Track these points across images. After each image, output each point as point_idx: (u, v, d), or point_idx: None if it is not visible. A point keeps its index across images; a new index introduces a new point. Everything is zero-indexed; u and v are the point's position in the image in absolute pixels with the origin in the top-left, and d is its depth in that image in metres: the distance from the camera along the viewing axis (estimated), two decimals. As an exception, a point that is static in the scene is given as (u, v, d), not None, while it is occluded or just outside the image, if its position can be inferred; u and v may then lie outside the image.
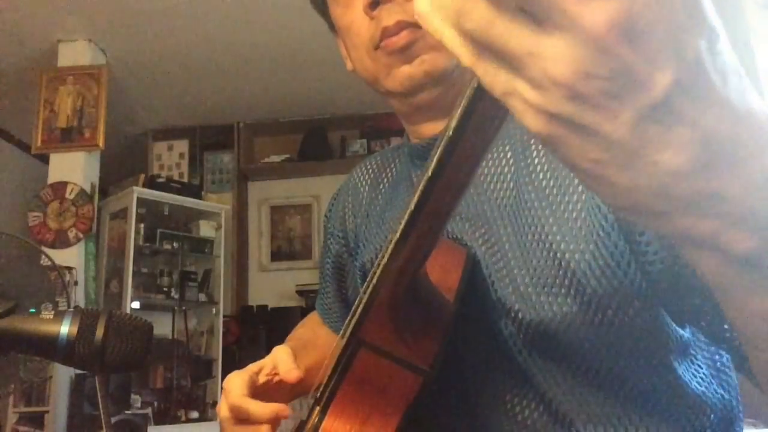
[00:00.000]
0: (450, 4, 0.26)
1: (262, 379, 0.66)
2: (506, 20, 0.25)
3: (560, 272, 0.54)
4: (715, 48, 0.25)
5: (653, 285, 0.51)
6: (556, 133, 0.26)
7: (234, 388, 0.64)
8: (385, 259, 0.43)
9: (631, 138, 0.25)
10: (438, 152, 0.34)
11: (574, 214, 0.55)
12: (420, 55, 0.61)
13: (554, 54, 0.24)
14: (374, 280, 0.45)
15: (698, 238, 0.27)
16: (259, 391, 0.65)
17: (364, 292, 0.49)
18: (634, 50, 0.23)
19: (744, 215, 0.26)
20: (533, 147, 0.60)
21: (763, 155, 0.26)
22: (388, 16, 0.61)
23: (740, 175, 0.26)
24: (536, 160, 0.59)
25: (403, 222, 0.39)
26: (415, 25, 0.60)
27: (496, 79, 0.26)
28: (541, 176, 0.58)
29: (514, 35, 0.25)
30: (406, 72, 0.62)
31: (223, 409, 0.65)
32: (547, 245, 0.55)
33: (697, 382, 0.56)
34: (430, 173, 0.35)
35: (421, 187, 0.37)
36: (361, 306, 0.48)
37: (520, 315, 0.56)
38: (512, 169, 0.62)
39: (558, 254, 0.54)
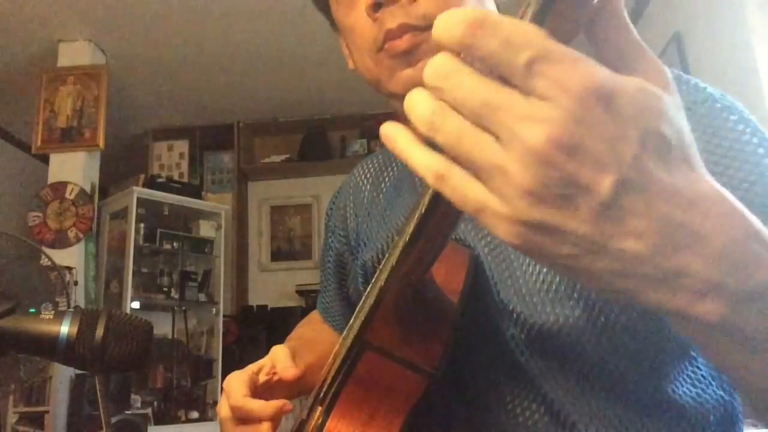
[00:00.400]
0: (422, 117, 0.30)
1: (261, 378, 0.66)
2: (474, 135, 0.28)
3: (562, 276, 0.54)
4: (656, 146, 0.28)
5: None
6: (529, 238, 0.29)
7: (234, 388, 0.64)
8: (393, 262, 0.42)
9: (594, 232, 0.28)
10: None
11: None
12: (422, 59, 0.61)
13: (515, 166, 0.27)
14: (381, 282, 0.45)
15: (673, 310, 0.30)
16: (259, 391, 0.65)
17: (370, 294, 0.48)
18: (574, 160, 0.27)
19: (710, 288, 0.29)
20: None
21: (721, 233, 0.29)
22: (391, 19, 0.60)
23: (701, 253, 0.29)
24: None
25: (413, 225, 0.39)
26: (417, 29, 0.60)
27: (466, 194, 0.29)
28: None
29: (481, 148, 0.28)
30: (408, 75, 0.62)
31: (223, 409, 0.65)
32: None
33: (697, 384, 0.56)
34: None
35: (432, 190, 0.36)
36: (367, 307, 0.48)
37: (522, 318, 0.56)
38: None
39: None
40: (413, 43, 0.60)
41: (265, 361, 0.69)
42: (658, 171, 0.28)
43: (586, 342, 0.54)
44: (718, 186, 0.30)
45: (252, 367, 0.68)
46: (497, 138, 0.28)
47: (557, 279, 0.55)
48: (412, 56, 0.61)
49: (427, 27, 0.59)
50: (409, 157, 0.31)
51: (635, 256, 0.28)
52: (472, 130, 0.29)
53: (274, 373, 0.66)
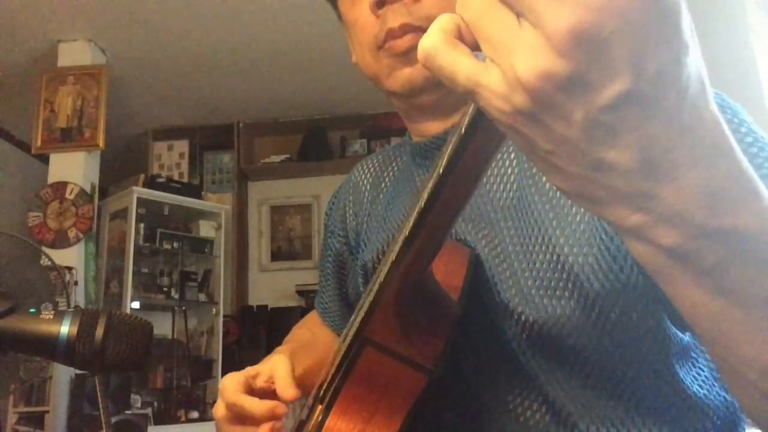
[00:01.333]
0: None
1: (259, 384, 0.66)
2: (497, 11, 0.27)
3: (563, 275, 0.54)
4: (682, 61, 0.26)
5: (654, 289, 0.51)
6: (515, 124, 0.28)
7: (230, 386, 0.64)
8: (393, 257, 0.43)
9: (581, 137, 0.27)
10: (449, 149, 0.34)
11: (578, 218, 0.55)
12: None
13: (523, 50, 0.26)
14: (381, 279, 0.45)
15: (630, 227, 0.30)
16: (255, 394, 0.65)
17: (370, 291, 0.48)
18: (590, 58, 0.25)
19: (671, 215, 0.29)
20: None
21: (703, 166, 0.28)
22: (393, 18, 0.61)
23: (676, 181, 0.28)
24: None
25: (413, 220, 0.39)
26: (419, 29, 0.60)
27: (457, 72, 0.29)
28: (544, 179, 0.58)
29: (499, 27, 0.27)
30: (406, 74, 0.63)
31: (219, 409, 0.65)
32: (550, 248, 0.55)
33: (699, 385, 0.56)
34: (441, 170, 0.35)
35: (431, 185, 0.37)
36: (367, 304, 0.48)
37: (523, 316, 0.56)
38: (516, 170, 0.61)
39: (561, 257, 0.54)
40: (413, 44, 0.60)
41: (263, 369, 0.68)
42: (672, 91, 0.26)
43: (586, 341, 0.54)
44: (719, 117, 0.29)
45: (249, 371, 0.67)
46: (522, 18, 0.26)
47: (557, 278, 0.55)
48: (411, 56, 0.61)
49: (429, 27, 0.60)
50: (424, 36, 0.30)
51: (613, 168, 0.28)
52: (497, 7, 0.27)
53: (272, 384, 0.66)
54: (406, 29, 0.61)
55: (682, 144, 0.27)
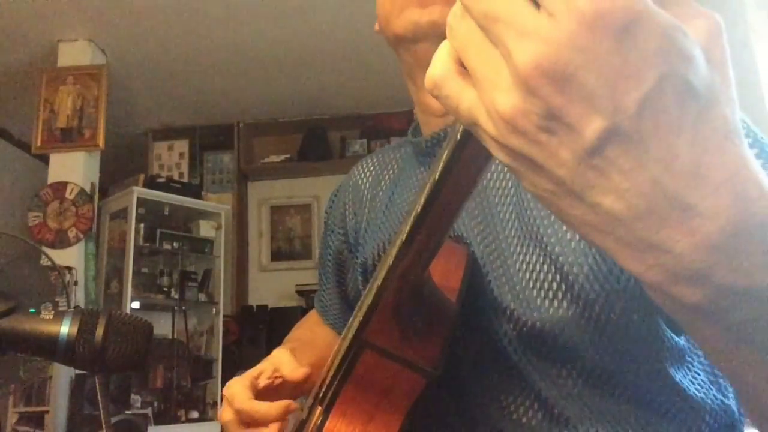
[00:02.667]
0: (448, 19, 0.28)
1: (262, 382, 0.66)
2: (480, 43, 0.26)
3: (558, 276, 0.54)
4: (680, 94, 0.24)
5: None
6: (513, 164, 0.27)
7: (237, 393, 0.64)
8: (391, 260, 0.43)
9: (572, 178, 0.25)
10: (445, 153, 0.34)
11: None
12: (434, 4, 0.62)
13: (501, 86, 0.25)
14: (379, 281, 0.45)
15: (648, 283, 0.27)
16: (260, 395, 0.65)
17: (368, 292, 0.48)
18: (561, 94, 0.24)
19: (691, 273, 0.25)
20: None
21: (722, 218, 0.25)
22: None
23: (690, 235, 0.25)
24: None
25: (410, 223, 0.39)
26: None
27: (459, 104, 0.27)
28: None
29: (482, 59, 0.26)
30: (414, 14, 0.63)
31: (226, 414, 0.65)
32: (546, 249, 0.55)
33: (696, 388, 0.56)
34: (437, 176, 0.35)
35: (428, 189, 0.36)
36: (365, 307, 0.48)
37: (515, 315, 0.56)
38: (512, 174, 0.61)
39: (556, 259, 0.54)
40: None
41: (264, 366, 0.68)
42: (665, 128, 0.24)
43: (579, 342, 0.54)
44: (749, 157, 0.25)
45: (252, 372, 0.67)
46: (498, 47, 0.25)
47: (550, 277, 0.55)
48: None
49: None
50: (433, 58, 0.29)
51: (612, 215, 0.25)
52: (480, 38, 0.26)
53: (276, 377, 0.66)
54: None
55: (693, 190, 0.24)
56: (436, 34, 0.63)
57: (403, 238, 0.40)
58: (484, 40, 0.26)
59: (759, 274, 0.26)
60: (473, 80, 0.26)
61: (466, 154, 0.33)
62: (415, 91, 0.73)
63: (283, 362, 0.67)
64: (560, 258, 0.54)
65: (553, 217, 0.56)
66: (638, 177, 0.24)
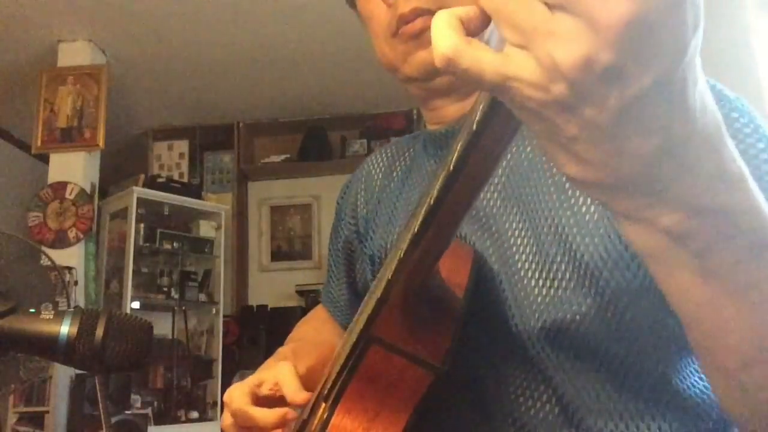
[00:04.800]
0: None
1: (264, 392, 0.66)
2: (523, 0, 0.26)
3: (573, 265, 0.54)
4: (698, 47, 0.27)
5: None
6: (546, 112, 0.28)
7: (237, 397, 0.64)
8: (401, 255, 0.42)
9: (609, 123, 0.27)
10: (459, 146, 0.34)
11: (592, 209, 0.55)
12: None
13: (561, 37, 0.25)
14: (388, 275, 0.45)
15: (631, 210, 0.31)
16: (261, 403, 0.64)
17: (377, 287, 0.48)
18: (636, 47, 0.25)
19: (677, 198, 0.30)
20: None
21: (711, 153, 0.29)
22: (405, 4, 0.62)
23: (691, 170, 0.29)
24: None
25: (421, 217, 0.39)
26: (430, 12, 0.61)
27: (483, 69, 0.28)
28: (555, 170, 0.58)
29: (528, 13, 0.26)
30: (421, 57, 0.63)
31: (226, 419, 0.65)
32: (563, 237, 0.55)
33: (704, 378, 0.56)
34: (451, 167, 0.35)
35: (440, 182, 0.36)
36: (373, 301, 0.47)
37: (532, 311, 0.56)
38: (529, 161, 0.62)
39: (572, 246, 0.55)
40: (425, 26, 0.61)
41: (266, 376, 0.67)
42: (690, 78, 0.27)
43: (594, 333, 0.54)
44: (713, 102, 0.30)
45: (252, 380, 0.67)
46: (555, 6, 0.25)
47: (565, 269, 0.55)
48: (424, 38, 0.62)
49: (440, 8, 0.60)
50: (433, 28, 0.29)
51: (633, 155, 0.28)
52: None
53: (277, 391, 0.66)
54: (417, 12, 0.61)
55: (696, 132, 0.28)
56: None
57: (415, 232, 0.40)
58: (536, 3, 0.26)
59: (723, 195, 0.30)
60: (517, 34, 0.27)
61: (482, 144, 0.33)
62: (428, 112, 0.73)
63: (285, 379, 0.65)
64: (576, 246, 0.54)
65: (570, 207, 0.56)
66: (666, 120, 0.28)
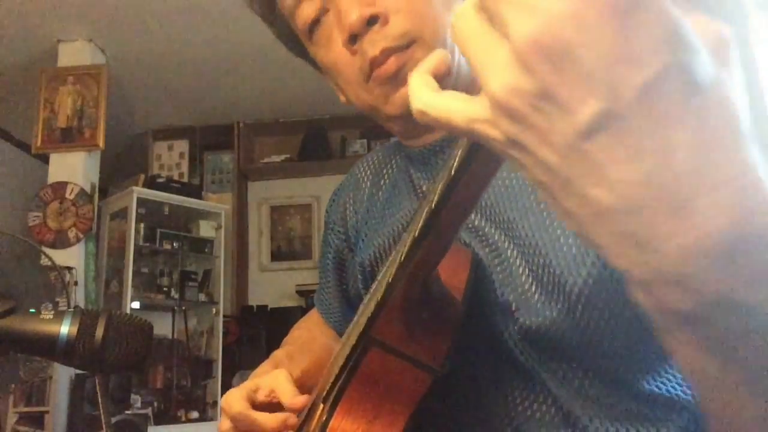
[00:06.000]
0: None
1: (261, 398, 0.66)
2: (480, 31, 0.25)
3: (554, 279, 0.54)
4: (681, 83, 0.22)
5: None
6: (508, 152, 0.26)
7: (235, 401, 0.64)
8: (402, 258, 0.42)
9: (562, 165, 0.24)
10: (461, 150, 0.34)
11: (567, 233, 0.55)
12: None
13: (495, 66, 0.24)
14: (389, 278, 0.45)
15: (635, 281, 0.26)
16: (258, 408, 0.65)
17: (377, 290, 0.48)
18: (557, 72, 0.22)
19: (677, 278, 0.24)
20: None
21: (720, 222, 0.23)
22: (372, 47, 0.60)
23: (680, 233, 0.23)
24: None
25: (422, 220, 0.39)
26: (400, 48, 0.59)
27: (451, 118, 0.27)
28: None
29: (481, 46, 0.25)
30: (403, 95, 0.61)
31: (224, 425, 0.65)
32: (542, 252, 0.55)
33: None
34: (453, 171, 0.35)
35: (442, 185, 0.36)
36: (373, 303, 0.48)
37: (515, 316, 0.56)
38: (509, 176, 0.61)
39: (552, 261, 0.55)
40: (400, 64, 0.60)
41: (262, 383, 0.67)
42: (670, 119, 0.22)
43: (570, 339, 0.54)
44: (760, 172, 0.23)
45: (249, 385, 0.67)
46: (498, 32, 0.24)
47: (545, 279, 0.55)
48: (401, 76, 0.60)
49: (409, 43, 0.59)
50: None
51: (602, 207, 0.24)
52: (481, 27, 0.25)
53: (274, 397, 0.66)
54: (387, 53, 0.60)
55: (690, 187, 0.23)
56: None
57: (416, 235, 0.40)
58: (485, 28, 0.25)
59: (750, 289, 0.24)
60: (474, 69, 0.26)
61: (485, 149, 0.33)
62: (407, 141, 0.72)
63: (281, 386, 0.66)
64: (553, 263, 0.54)
65: (547, 228, 0.56)
66: (631, 169, 0.23)
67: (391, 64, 0.60)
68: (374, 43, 0.60)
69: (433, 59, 0.31)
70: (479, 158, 0.34)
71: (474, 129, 0.27)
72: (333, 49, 0.64)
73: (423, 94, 0.29)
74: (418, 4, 0.59)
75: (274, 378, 0.67)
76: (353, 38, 0.60)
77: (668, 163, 0.23)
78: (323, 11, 0.63)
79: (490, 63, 0.24)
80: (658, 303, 0.26)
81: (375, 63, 0.60)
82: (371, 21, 0.59)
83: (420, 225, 0.39)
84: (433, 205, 0.37)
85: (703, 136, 0.23)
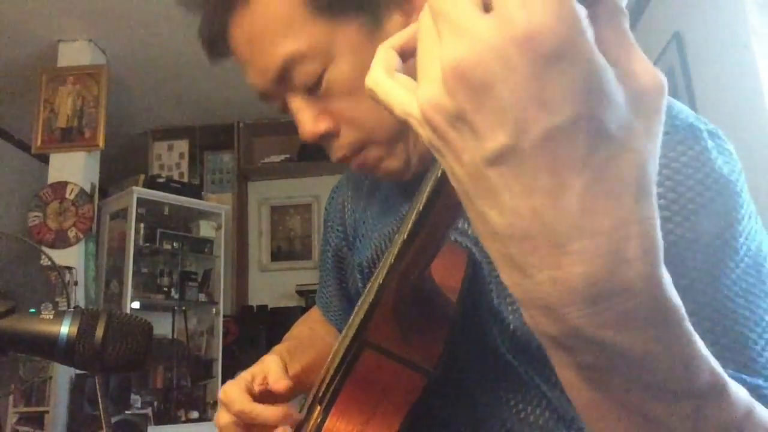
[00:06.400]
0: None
1: (256, 387, 0.66)
2: (429, 37, 0.26)
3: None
4: (589, 137, 0.23)
5: None
6: (432, 150, 0.28)
7: (236, 396, 0.64)
8: (392, 259, 0.43)
9: (468, 182, 0.26)
10: None
11: None
12: (376, 171, 0.63)
13: (428, 77, 0.26)
14: (380, 279, 0.45)
15: (515, 297, 0.28)
16: (256, 399, 0.65)
17: (369, 292, 0.48)
18: (473, 100, 0.24)
19: (544, 306, 0.26)
20: None
21: (594, 263, 0.24)
22: (332, 153, 0.63)
23: (552, 266, 0.25)
24: None
25: (412, 220, 0.39)
26: (358, 147, 0.61)
27: (392, 100, 0.29)
28: None
29: (424, 53, 0.26)
30: (385, 170, 0.63)
31: (223, 418, 0.65)
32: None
33: None
34: (440, 171, 0.35)
35: (430, 185, 0.36)
36: (366, 306, 0.48)
37: (501, 317, 0.56)
38: None
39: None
40: (361, 162, 0.62)
41: (255, 371, 0.69)
42: (567, 167, 0.24)
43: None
44: (646, 223, 0.25)
45: (245, 376, 0.68)
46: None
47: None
48: (367, 169, 0.63)
49: (363, 147, 0.61)
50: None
51: (493, 228, 0.26)
52: (431, 34, 0.26)
53: (266, 383, 0.66)
54: (348, 158, 0.62)
55: (570, 229, 0.24)
56: (398, 175, 0.63)
57: (405, 236, 0.40)
58: (434, 36, 0.26)
59: (608, 331, 0.26)
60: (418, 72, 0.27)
61: None
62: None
63: (270, 370, 0.68)
64: None
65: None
66: (522, 201, 0.25)
67: (355, 164, 0.63)
68: (333, 150, 0.63)
69: (405, 34, 0.32)
70: None
71: (408, 121, 0.28)
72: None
73: (377, 72, 0.30)
74: (364, 111, 0.59)
75: (265, 364, 0.69)
76: (321, 139, 0.63)
77: (555, 204, 0.24)
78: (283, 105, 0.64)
79: (426, 71, 0.26)
80: (534, 323, 0.28)
81: (344, 162, 0.63)
82: (323, 137, 0.61)
83: (409, 226, 0.39)
84: (421, 206, 0.37)
85: (597, 186, 0.24)
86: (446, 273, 0.54)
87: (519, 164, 0.24)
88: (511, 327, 0.56)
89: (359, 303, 0.54)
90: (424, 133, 0.27)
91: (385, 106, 0.30)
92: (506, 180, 0.25)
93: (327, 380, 0.53)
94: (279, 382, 0.65)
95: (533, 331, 0.29)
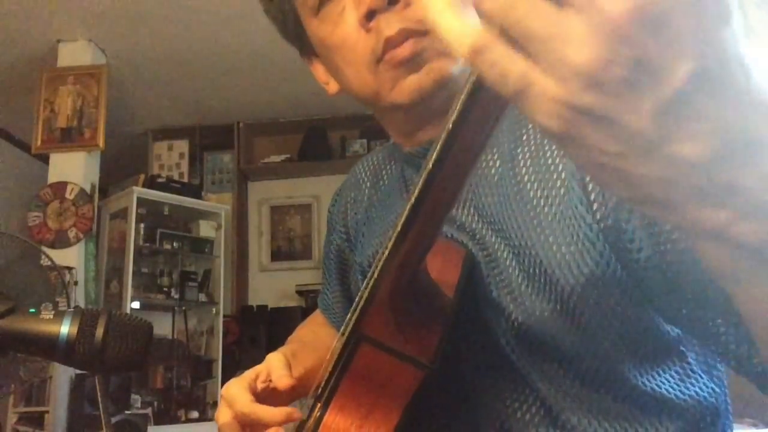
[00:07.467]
0: None
1: (260, 386, 0.66)
2: (536, 7, 0.24)
3: (546, 278, 0.54)
4: (741, 37, 0.24)
5: (642, 290, 0.51)
6: (574, 128, 0.25)
7: (238, 395, 0.64)
8: (386, 253, 0.43)
9: (651, 129, 0.25)
10: (439, 144, 0.34)
11: (561, 224, 0.54)
12: (428, 63, 0.58)
13: (575, 39, 0.24)
14: (375, 274, 0.45)
15: (709, 229, 0.27)
16: (260, 398, 0.65)
17: (365, 288, 0.48)
18: (654, 39, 0.23)
19: (756, 207, 0.26)
20: (520, 156, 0.60)
21: None
22: (388, 26, 0.57)
23: (755, 168, 0.25)
24: (523, 170, 0.59)
25: (405, 213, 0.39)
26: (418, 33, 0.57)
27: (508, 69, 0.26)
28: (528, 186, 0.57)
29: (536, 17, 0.24)
30: (414, 82, 0.59)
31: (223, 416, 0.64)
32: (532, 253, 0.55)
33: (686, 379, 0.56)
34: (431, 164, 0.35)
35: (422, 179, 0.36)
36: (362, 300, 0.48)
37: (507, 312, 0.56)
38: (499, 176, 0.61)
39: (542, 261, 0.54)
40: (416, 49, 0.57)
41: (260, 369, 0.68)
42: (738, 68, 0.24)
43: (562, 337, 0.54)
44: None
45: (249, 374, 0.67)
46: (564, 5, 0.24)
47: (537, 277, 0.55)
48: (416, 61, 0.58)
49: (426, 31, 0.56)
50: (440, 23, 0.27)
51: (690, 163, 0.25)
52: (539, 4, 0.24)
53: (270, 381, 0.66)
54: (404, 35, 0.56)
55: (757, 126, 0.25)
56: (440, 88, 0.59)
57: (399, 229, 0.40)
58: (544, 4, 0.24)
59: None
60: (526, 42, 0.25)
61: (460, 141, 0.34)
62: (403, 138, 0.70)
63: (274, 367, 0.67)
64: (547, 261, 0.54)
65: (540, 223, 0.55)
66: (717, 119, 0.24)
67: (407, 47, 0.57)
68: (392, 23, 0.57)
69: None
70: (457, 150, 0.34)
71: (528, 97, 0.26)
72: (343, 26, 0.61)
73: (485, 34, 0.26)
74: None
75: (269, 362, 0.69)
76: (371, 14, 0.57)
77: (742, 109, 0.25)
78: None
79: (563, 36, 0.24)
80: (734, 245, 0.27)
81: (390, 44, 0.57)
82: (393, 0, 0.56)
83: (403, 219, 0.39)
84: (413, 199, 0.37)
85: (752, 78, 0.25)
86: (443, 269, 0.55)
87: (707, 84, 0.24)
88: (513, 317, 0.56)
89: (357, 299, 0.54)
90: (573, 105, 0.25)
91: (497, 73, 0.26)
92: (698, 105, 0.24)
93: (326, 376, 0.53)
94: (282, 379, 0.65)
95: (722, 256, 0.28)
